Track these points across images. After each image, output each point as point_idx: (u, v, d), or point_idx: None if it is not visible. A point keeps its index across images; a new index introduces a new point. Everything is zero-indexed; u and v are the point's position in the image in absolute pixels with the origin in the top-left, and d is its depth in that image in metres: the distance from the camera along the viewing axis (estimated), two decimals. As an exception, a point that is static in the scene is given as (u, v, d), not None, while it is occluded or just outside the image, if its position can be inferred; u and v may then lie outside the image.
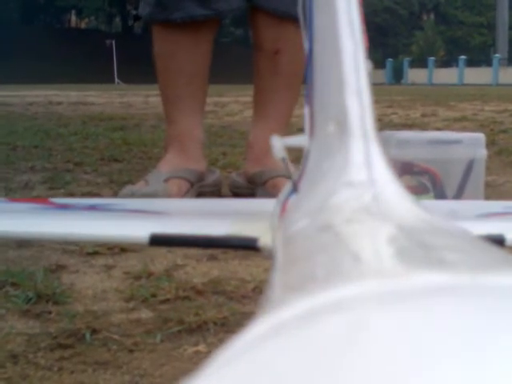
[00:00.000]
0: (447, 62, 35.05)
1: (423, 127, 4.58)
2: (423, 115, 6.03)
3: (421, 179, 1.36)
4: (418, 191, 1.34)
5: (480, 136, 1.48)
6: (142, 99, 9.52)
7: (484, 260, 0.27)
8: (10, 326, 1.02)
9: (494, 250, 0.28)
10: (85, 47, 30.93)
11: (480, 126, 4.51)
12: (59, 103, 8.23)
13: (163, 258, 1.36)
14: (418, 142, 1.41)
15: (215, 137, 3.81)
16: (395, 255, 0.28)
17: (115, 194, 2.06)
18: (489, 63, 30.70)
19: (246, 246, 0.53)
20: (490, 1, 39.36)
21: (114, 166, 2.70)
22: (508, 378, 0.15)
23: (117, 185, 2.22)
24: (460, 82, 28.72)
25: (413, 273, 0.22)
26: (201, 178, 2.03)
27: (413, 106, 7.66)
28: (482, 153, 1.45)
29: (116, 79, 25.50)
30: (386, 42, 39.70)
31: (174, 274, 1.27)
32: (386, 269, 0.25)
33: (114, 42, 25.77)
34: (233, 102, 8.41)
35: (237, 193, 2.07)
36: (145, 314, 1.07)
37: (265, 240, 0.51)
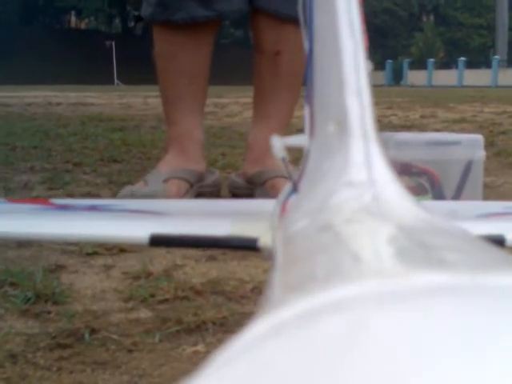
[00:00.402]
0: (447, 64, 35.08)
1: (422, 128, 4.58)
2: (422, 116, 6.03)
3: (419, 180, 1.36)
4: (416, 192, 1.34)
5: (478, 137, 1.48)
6: (142, 100, 9.52)
7: (484, 260, 0.27)
8: (9, 325, 1.02)
9: (494, 250, 0.28)
10: (84, 48, 30.93)
11: (479, 128, 4.52)
12: (58, 104, 8.24)
13: (162, 259, 1.36)
14: (417, 143, 1.41)
15: (215, 138, 3.82)
16: (395, 255, 0.28)
17: (114, 195, 2.06)
18: (488, 65, 30.70)
19: (246, 247, 0.53)
20: (489, 2, 39.39)
21: (113, 167, 2.70)
22: (508, 378, 0.15)
23: (116, 185, 2.22)
24: (459, 83, 28.73)
25: (413, 273, 0.22)
26: (200, 178, 2.04)
27: (412, 107, 7.67)
28: (481, 154, 1.45)
29: (116, 80, 25.50)
30: (385, 43, 39.71)
31: (173, 274, 1.27)
32: (386, 269, 0.25)
33: (113, 43, 25.78)
34: (232, 103, 8.41)
35: (236, 193, 2.07)
36: (144, 313, 1.08)
37: (265, 240, 0.51)
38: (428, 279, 0.21)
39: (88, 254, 1.39)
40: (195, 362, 0.92)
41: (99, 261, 1.36)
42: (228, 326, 1.03)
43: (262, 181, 1.97)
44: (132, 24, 40.75)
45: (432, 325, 0.18)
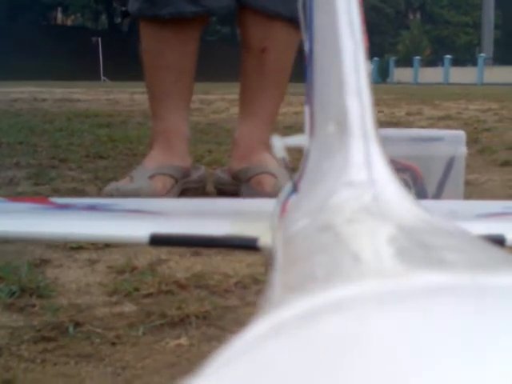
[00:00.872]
0: (433, 62, 35.13)
1: (408, 125, 4.59)
2: (408, 114, 6.05)
3: (402, 176, 1.38)
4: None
5: (461, 133, 1.49)
6: (128, 96, 9.49)
7: (484, 260, 0.27)
8: (-6, 319, 1.02)
9: (494, 250, 0.28)
10: (71, 44, 30.73)
11: (464, 125, 4.54)
12: (44, 100, 8.19)
13: (147, 253, 1.37)
14: (399, 139, 1.42)
15: (201, 134, 3.81)
16: (395, 255, 0.28)
17: (100, 191, 2.07)
18: (474, 63, 30.79)
19: (246, 246, 0.53)
20: (475, 0, 39.48)
21: (99, 163, 2.70)
22: (508, 378, 0.15)
23: (102, 181, 2.22)
24: (445, 81, 28.80)
25: (413, 273, 0.22)
26: (186, 174, 2.04)
27: (398, 104, 7.69)
28: (463, 150, 1.47)
29: (102, 76, 25.39)
30: (371, 40, 39.57)
31: (157, 268, 1.28)
32: (386, 269, 0.25)
33: (100, 40, 25.66)
34: (219, 100, 8.40)
35: (221, 189, 2.07)
36: (128, 307, 1.08)
37: (265, 240, 0.51)
38: (428, 279, 0.21)
39: (73, 249, 1.39)
40: (178, 354, 0.93)
41: (84, 255, 1.37)
42: (211, 319, 1.04)
43: (248, 177, 1.98)
44: (119, 20, 40.56)
45: (432, 325, 0.18)
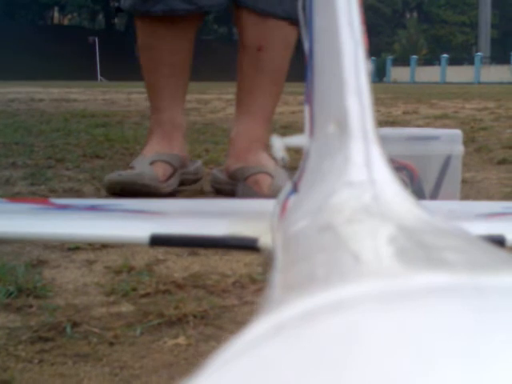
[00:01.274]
0: (430, 61, 35.16)
1: (405, 125, 4.60)
2: (405, 113, 6.06)
3: (399, 175, 1.37)
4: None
5: (457, 132, 1.49)
6: (125, 96, 9.48)
7: (484, 260, 0.26)
8: (-9, 319, 1.02)
9: (494, 250, 0.28)
10: (67, 44, 30.72)
11: (460, 124, 4.54)
12: (41, 100, 8.19)
13: (144, 253, 1.37)
14: (396, 139, 1.42)
15: (198, 134, 3.82)
16: (395, 255, 0.28)
17: (97, 191, 2.07)
18: (471, 62, 30.84)
19: (246, 246, 0.53)
20: (472, 0, 39.54)
21: (95, 163, 2.70)
22: (508, 378, 0.15)
23: (99, 181, 2.22)
24: (442, 80, 28.84)
25: (413, 273, 0.22)
26: (183, 164, 2.09)
27: (395, 103, 7.69)
28: (459, 149, 1.47)
29: (99, 76, 25.38)
30: (368, 40, 39.65)
31: (154, 268, 1.28)
32: (386, 269, 0.25)
33: (96, 39, 25.65)
34: (215, 100, 8.40)
35: (218, 188, 2.08)
36: (125, 307, 1.08)
37: (265, 240, 0.51)
38: (428, 279, 0.21)
39: (70, 249, 1.39)
40: (176, 354, 0.93)
41: (81, 255, 1.37)
42: (209, 319, 1.04)
43: (245, 176, 1.98)
44: (115, 20, 40.54)
45: (432, 325, 0.18)
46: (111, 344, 0.95)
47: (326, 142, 0.48)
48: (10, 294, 1.10)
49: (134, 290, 1.14)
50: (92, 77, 24.43)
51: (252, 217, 0.59)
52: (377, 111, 6.18)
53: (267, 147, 1.89)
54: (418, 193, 1.38)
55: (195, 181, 2.16)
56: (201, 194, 2.09)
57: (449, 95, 10.39)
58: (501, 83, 22.48)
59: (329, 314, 0.19)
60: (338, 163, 0.43)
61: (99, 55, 25.55)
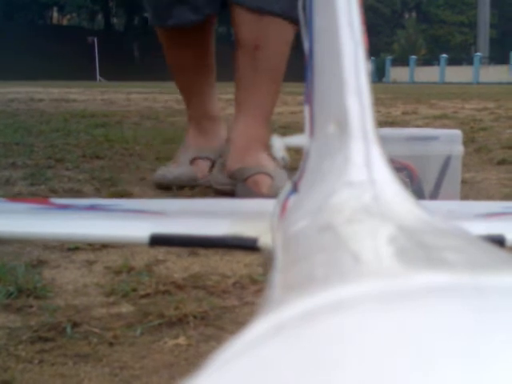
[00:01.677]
0: (429, 61, 35.18)
1: (404, 125, 4.60)
2: (404, 113, 6.06)
3: (399, 175, 1.37)
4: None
5: (457, 132, 1.49)
6: (124, 96, 9.49)
7: (484, 260, 0.26)
8: (-9, 320, 1.02)
9: (494, 250, 0.28)
10: (67, 44, 30.70)
11: (460, 124, 4.54)
12: (41, 100, 8.18)
13: (144, 254, 1.37)
14: (396, 139, 1.42)
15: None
16: (395, 255, 0.28)
17: (97, 191, 2.07)
18: (470, 62, 30.85)
19: (246, 246, 0.52)
20: (471, 0, 39.55)
21: (95, 163, 2.70)
22: (508, 378, 0.15)
23: (98, 181, 2.23)
24: (441, 80, 28.85)
25: (413, 273, 0.22)
26: (221, 152, 2.23)
27: (394, 103, 7.69)
28: (459, 149, 1.47)
29: (98, 77, 25.38)
30: (368, 40, 39.67)
31: (154, 268, 1.28)
32: (386, 269, 0.25)
33: (95, 39, 25.65)
34: (215, 100, 8.38)
35: (219, 189, 2.08)
36: (125, 308, 1.08)
37: (265, 240, 0.50)
38: (428, 279, 0.21)
39: (70, 249, 1.39)
40: (176, 354, 0.93)
41: (81, 256, 1.37)
42: (209, 319, 1.04)
43: (244, 177, 1.98)
44: (115, 20, 40.56)
45: (432, 325, 0.18)
46: (111, 344, 0.95)
47: (326, 142, 0.48)
48: (10, 294, 1.11)
49: (134, 290, 1.14)
50: (91, 77, 24.43)
51: (252, 217, 0.59)
52: (376, 111, 6.14)
53: (267, 147, 1.91)
54: (418, 193, 1.38)
55: None
56: (202, 194, 2.09)
57: (448, 95, 10.40)
58: (500, 83, 22.49)
59: (329, 314, 0.19)
60: (338, 163, 0.43)
61: (98, 55, 25.56)
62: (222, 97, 9.15)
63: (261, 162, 1.98)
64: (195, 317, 1.04)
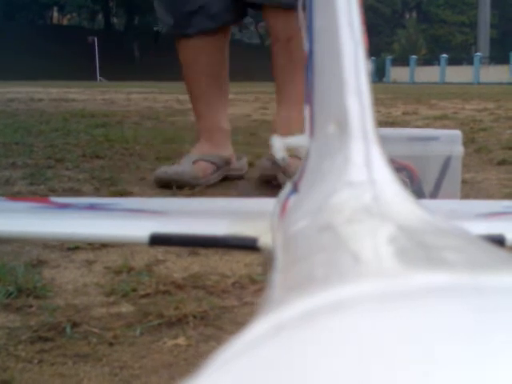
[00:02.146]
0: (429, 61, 35.17)
1: (404, 125, 4.60)
2: (404, 113, 6.06)
3: (399, 175, 1.37)
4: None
5: (457, 133, 1.49)
6: (124, 96, 9.49)
7: (484, 260, 0.26)
8: (-9, 319, 1.02)
9: (494, 250, 0.28)
10: (67, 44, 30.70)
11: (460, 125, 4.54)
12: (41, 100, 8.18)
13: (144, 253, 1.37)
14: (396, 139, 1.42)
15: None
16: (395, 255, 0.28)
17: (96, 191, 2.07)
18: (470, 62, 30.84)
19: (246, 246, 0.52)
20: (471, 0, 39.56)
21: (95, 163, 2.70)
22: (508, 378, 0.15)
23: (98, 181, 2.23)
24: (441, 80, 28.85)
25: (413, 273, 0.22)
26: (227, 162, 2.36)
27: (394, 104, 7.69)
28: (459, 150, 1.47)
29: (98, 76, 25.38)
30: (368, 40, 39.69)
31: (154, 268, 1.28)
32: (386, 269, 0.25)
33: (96, 39, 25.66)
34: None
35: (264, 175, 2.23)
36: (125, 307, 1.08)
37: (265, 240, 0.50)
38: (428, 279, 0.21)
39: (70, 249, 1.39)
40: (176, 354, 0.93)
41: (81, 255, 1.37)
42: (209, 319, 1.04)
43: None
44: (115, 20, 40.58)
45: (432, 325, 0.18)
46: (111, 344, 0.95)
47: (326, 142, 0.48)
48: (10, 294, 1.11)
49: (134, 290, 1.14)
50: (91, 77, 24.42)
51: (252, 217, 0.59)
52: (376, 111, 6.15)
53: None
54: (418, 193, 1.38)
55: (239, 176, 2.42)
56: (200, 193, 2.09)
57: (448, 95, 10.40)
58: (500, 83, 22.50)
59: (328, 314, 0.19)
60: (338, 163, 0.43)
61: (98, 55, 25.57)
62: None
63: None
64: (195, 317, 1.04)
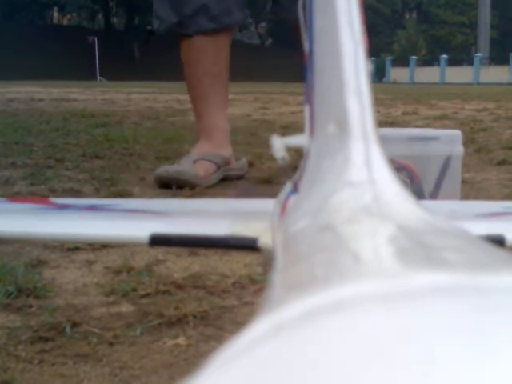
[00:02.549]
0: (429, 61, 35.16)
1: (404, 125, 4.60)
2: (404, 113, 6.06)
3: (399, 175, 1.37)
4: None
5: (457, 133, 1.49)
6: (125, 96, 9.49)
7: (484, 260, 0.26)
8: (-9, 319, 1.02)
9: (494, 250, 0.28)
10: (67, 44, 30.70)
11: (460, 125, 4.54)
12: (41, 100, 8.18)
13: (144, 253, 1.37)
14: (396, 139, 1.42)
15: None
16: (395, 255, 0.27)
17: (97, 191, 2.07)
18: (470, 62, 30.84)
19: (246, 246, 0.52)
20: (471, 0, 39.54)
21: (95, 163, 2.70)
22: (508, 378, 0.15)
23: (98, 181, 2.23)
24: (441, 80, 28.84)
25: (413, 273, 0.22)
26: (227, 162, 2.35)
27: (394, 104, 7.69)
28: (459, 149, 1.47)
29: (98, 76, 25.38)
30: (368, 40, 39.68)
31: (154, 268, 1.28)
32: (386, 269, 0.25)
33: (96, 39, 25.65)
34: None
35: None
36: (125, 307, 1.08)
37: (265, 240, 0.50)
38: (428, 279, 0.21)
39: (70, 249, 1.39)
40: (176, 354, 0.93)
41: (81, 256, 1.37)
42: (209, 319, 1.04)
43: None
44: (115, 20, 40.57)
45: (432, 325, 0.18)
46: (111, 344, 0.95)
47: (326, 142, 0.48)
48: (10, 294, 1.11)
49: (134, 290, 1.14)
50: (91, 76, 24.41)
51: (252, 217, 0.59)
52: (376, 112, 6.14)
53: None
54: (418, 193, 1.38)
55: (238, 176, 2.41)
56: (200, 194, 2.09)
57: (448, 96, 10.40)
58: (500, 84, 22.49)
59: (328, 314, 0.19)
60: (338, 163, 0.43)
61: (98, 55, 25.56)
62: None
63: None
64: (195, 317, 1.04)
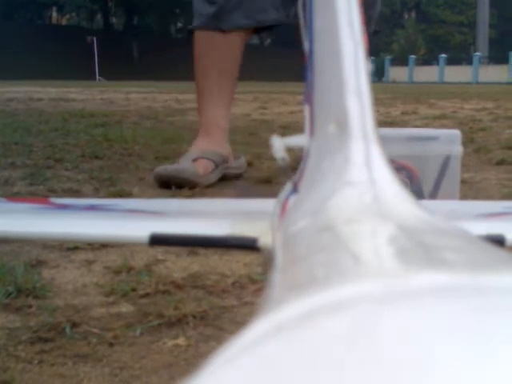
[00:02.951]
0: (428, 61, 35.20)
1: (403, 125, 4.59)
2: (403, 113, 6.06)
3: (398, 175, 1.37)
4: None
5: (456, 133, 1.49)
6: (124, 96, 9.48)
7: (484, 260, 0.26)
8: (-9, 319, 1.02)
9: (494, 250, 0.28)
10: (66, 44, 30.66)
11: (459, 124, 4.54)
12: (40, 99, 8.17)
13: (143, 253, 1.37)
14: (395, 139, 1.42)
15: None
16: (395, 255, 0.28)
17: (96, 191, 2.07)
18: (469, 61, 30.86)
19: (246, 246, 0.52)
20: (470, 0, 39.56)
21: (94, 163, 2.70)
22: (508, 378, 0.15)
23: (97, 181, 2.22)
24: (440, 80, 28.85)
25: (413, 273, 0.22)
26: (225, 160, 2.36)
27: (393, 103, 7.69)
28: (458, 149, 1.47)
29: (97, 76, 25.37)
30: (368, 40, 39.65)
31: (154, 268, 1.28)
32: (386, 269, 0.25)
33: (95, 39, 25.64)
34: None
35: None
36: (125, 307, 1.08)
37: (265, 240, 0.50)
38: (428, 279, 0.21)
39: (69, 249, 1.39)
40: (176, 354, 0.93)
41: (80, 255, 1.37)
42: (208, 319, 1.04)
43: None
44: (114, 20, 40.57)
45: (432, 325, 0.18)
46: (111, 344, 0.95)
47: (326, 142, 0.48)
48: (10, 294, 1.11)
49: (134, 290, 1.14)
50: (90, 76, 24.39)
51: (252, 217, 0.59)
52: (375, 111, 6.14)
53: None
54: (417, 193, 1.38)
55: (237, 175, 2.42)
56: (200, 194, 2.09)
57: (447, 95, 10.40)
58: (499, 83, 22.50)
59: (328, 314, 0.19)
60: (338, 163, 0.43)
61: (97, 55, 25.54)
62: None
63: None
64: (194, 317, 1.04)
